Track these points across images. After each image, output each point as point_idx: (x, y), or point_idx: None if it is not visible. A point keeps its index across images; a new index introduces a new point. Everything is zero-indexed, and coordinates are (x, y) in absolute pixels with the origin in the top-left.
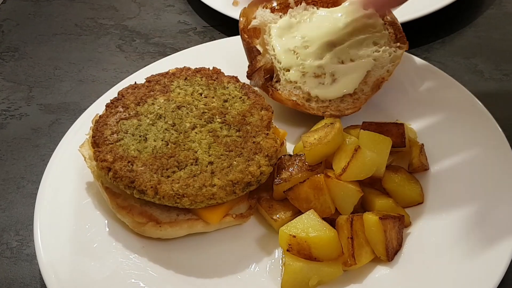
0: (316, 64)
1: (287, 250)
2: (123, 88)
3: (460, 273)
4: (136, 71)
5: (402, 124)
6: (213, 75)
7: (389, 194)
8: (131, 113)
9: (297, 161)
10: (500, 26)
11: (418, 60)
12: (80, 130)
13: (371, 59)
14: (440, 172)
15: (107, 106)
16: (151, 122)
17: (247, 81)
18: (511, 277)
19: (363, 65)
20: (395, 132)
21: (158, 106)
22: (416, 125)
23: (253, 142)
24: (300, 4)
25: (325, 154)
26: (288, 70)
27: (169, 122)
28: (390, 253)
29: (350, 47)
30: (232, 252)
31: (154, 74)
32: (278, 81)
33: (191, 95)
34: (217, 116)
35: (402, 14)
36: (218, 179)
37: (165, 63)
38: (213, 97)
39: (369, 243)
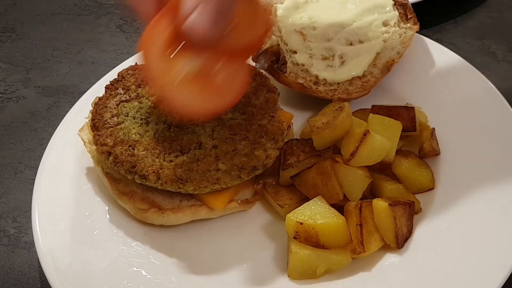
0: (324, 45)
1: (294, 238)
2: (123, 70)
3: (472, 261)
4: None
5: (412, 108)
6: None
7: (399, 180)
8: (132, 95)
9: (304, 146)
10: None
11: (429, 41)
12: (79, 113)
13: (380, 40)
14: (452, 157)
15: (107, 88)
16: (152, 104)
17: (252, 63)
18: None
19: (372, 47)
20: (405, 116)
21: None
22: (427, 109)
23: (259, 125)
24: None
25: (333, 139)
26: (295, 52)
27: None
28: (400, 240)
29: (359, 28)
30: (237, 240)
31: None
32: (284, 63)
33: None
34: None
35: None
36: (223, 163)
37: None
38: None
39: (379, 230)
